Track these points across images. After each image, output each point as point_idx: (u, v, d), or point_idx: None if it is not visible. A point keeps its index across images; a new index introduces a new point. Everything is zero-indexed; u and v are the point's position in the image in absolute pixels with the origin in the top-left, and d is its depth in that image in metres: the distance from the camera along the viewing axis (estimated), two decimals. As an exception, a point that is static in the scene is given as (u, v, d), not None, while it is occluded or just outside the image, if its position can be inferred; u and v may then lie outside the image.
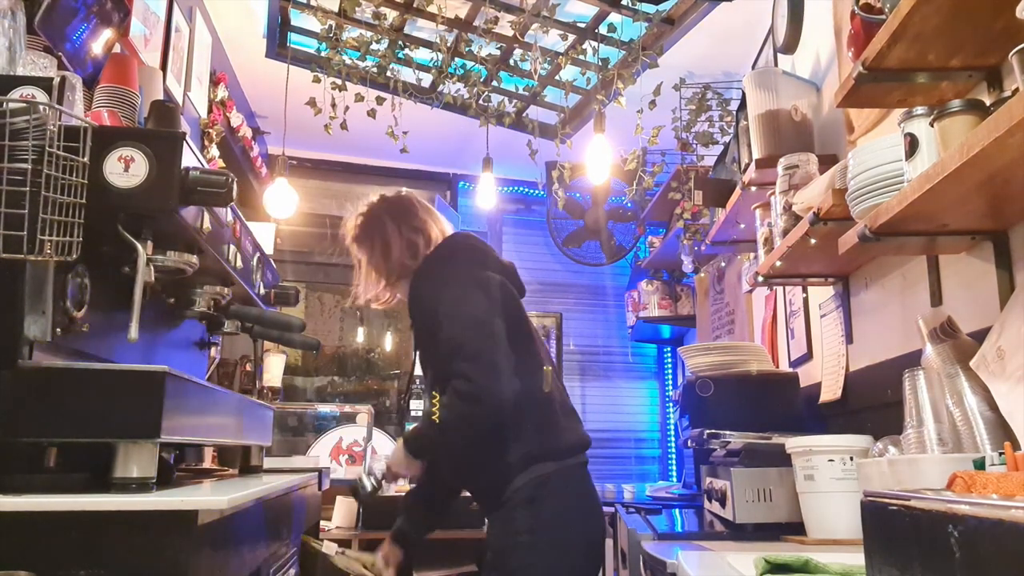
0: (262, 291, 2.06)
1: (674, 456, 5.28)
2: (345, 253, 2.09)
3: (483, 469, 1.86)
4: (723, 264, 3.98)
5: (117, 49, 2.27)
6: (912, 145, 1.27)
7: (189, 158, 1.33)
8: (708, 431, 2.21)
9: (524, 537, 1.76)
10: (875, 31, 1.42)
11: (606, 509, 2.13)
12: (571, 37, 3.41)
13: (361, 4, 3.20)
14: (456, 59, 3.56)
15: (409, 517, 2.10)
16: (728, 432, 2.17)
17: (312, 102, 3.39)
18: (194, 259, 1.50)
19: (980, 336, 1.33)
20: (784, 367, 2.87)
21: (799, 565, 1.22)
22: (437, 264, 1.93)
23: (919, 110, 1.27)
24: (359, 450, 4.15)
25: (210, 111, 3.38)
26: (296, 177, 4.47)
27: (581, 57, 3.48)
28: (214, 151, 3.37)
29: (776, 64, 2.93)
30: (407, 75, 3.63)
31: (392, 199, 2.06)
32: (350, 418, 4.27)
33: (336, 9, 3.26)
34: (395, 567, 2.04)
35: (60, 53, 1.92)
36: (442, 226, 2.03)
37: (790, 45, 2.64)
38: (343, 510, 3.69)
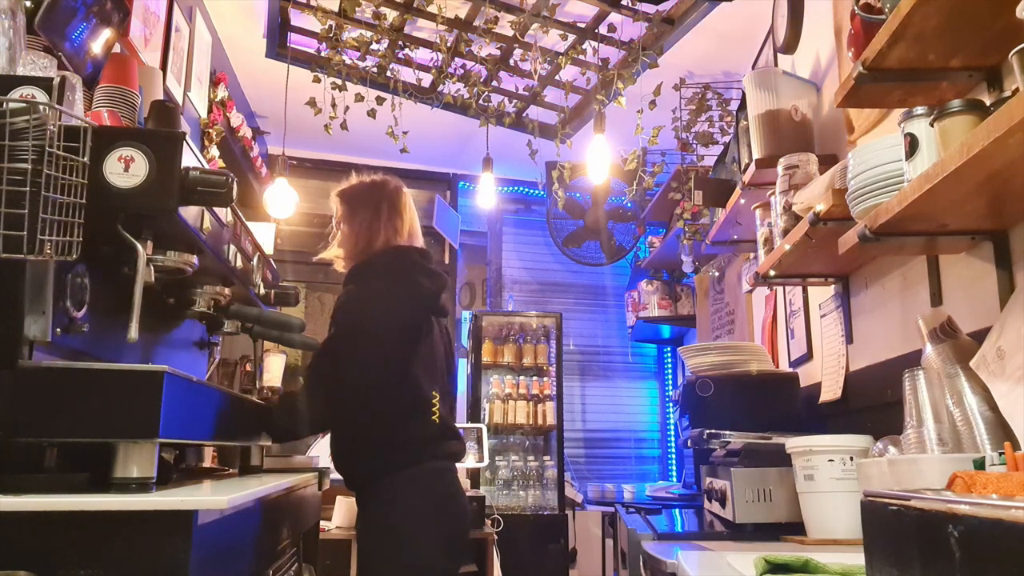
0: (262, 291, 2.06)
1: (674, 456, 5.28)
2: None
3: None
4: (723, 264, 3.98)
5: (117, 49, 2.27)
6: (912, 145, 1.27)
7: (189, 158, 1.33)
8: (708, 431, 2.21)
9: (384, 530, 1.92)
10: (875, 31, 1.42)
11: (606, 509, 2.17)
12: (571, 37, 3.41)
13: (361, 4, 3.20)
14: (456, 59, 3.56)
15: None
16: (728, 432, 2.17)
17: (312, 102, 3.39)
18: (194, 259, 1.50)
19: (980, 336, 1.33)
20: (784, 367, 2.87)
21: (799, 565, 1.22)
22: (363, 269, 2.08)
23: (919, 110, 1.27)
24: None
25: (210, 111, 3.38)
26: (296, 177, 4.48)
27: (581, 57, 3.48)
28: (214, 151, 3.37)
29: (776, 64, 2.93)
30: (407, 75, 3.63)
31: (394, 188, 2.19)
32: (350, 418, 4.26)
33: (336, 9, 3.26)
34: None
35: (60, 53, 1.92)
36: (402, 234, 2.14)
37: (790, 45, 2.64)
38: (343, 510, 3.68)
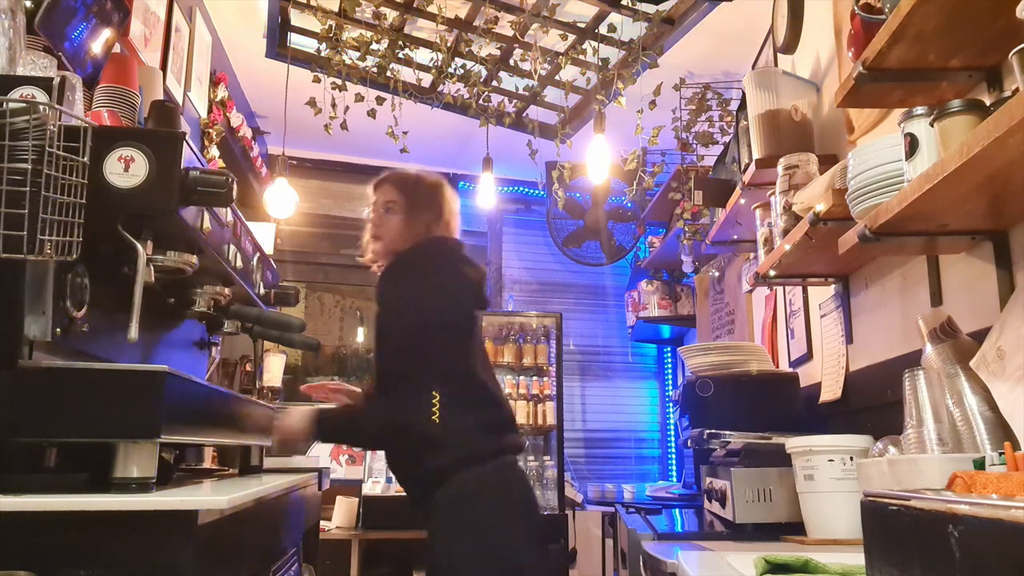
0: (262, 291, 2.06)
1: (674, 456, 5.28)
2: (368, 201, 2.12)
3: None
4: (723, 264, 3.98)
5: (117, 49, 2.27)
6: (912, 145, 1.27)
7: (189, 158, 1.33)
8: (708, 431, 2.21)
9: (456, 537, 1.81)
10: (875, 31, 1.42)
11: (606, 509, 2.17)
12: (571, 37, 3.41)
13: (361, 4, 3.20)
14: (456, 59, 3.55)
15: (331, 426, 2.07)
16: (728, 432, 2.17)
17: (312, 102, 3.39)
18: (194, 259, 1.50)
19: (980, 336, 1.33)
20: (784, 367, 2.87)
21: (799, 565, 1.22)
22: (418, 259, 1.95)
23: (919, 110, 1.27)
24: (359, 450, 4.15)
25: (210, 111, 3.38)
26: (296, 177, 4.48)
27: (581, 57, 3.48)
28: (214, 151, 3.37)
29: (776, 64, 2.92)
30: (407, 75, 3.63)
31: (447, 190, 2.11)
32: (350, 418, 4.26)
33: (336, 9, 3.26)
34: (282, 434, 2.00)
35: (60, 53, 1.92)
36: (450, 228, 2.07)
37: (790, 45, 2.64)
38: (343, 510, 3.69)
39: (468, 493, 1.81)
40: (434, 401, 1.84)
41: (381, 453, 4.27)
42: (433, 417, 1.82)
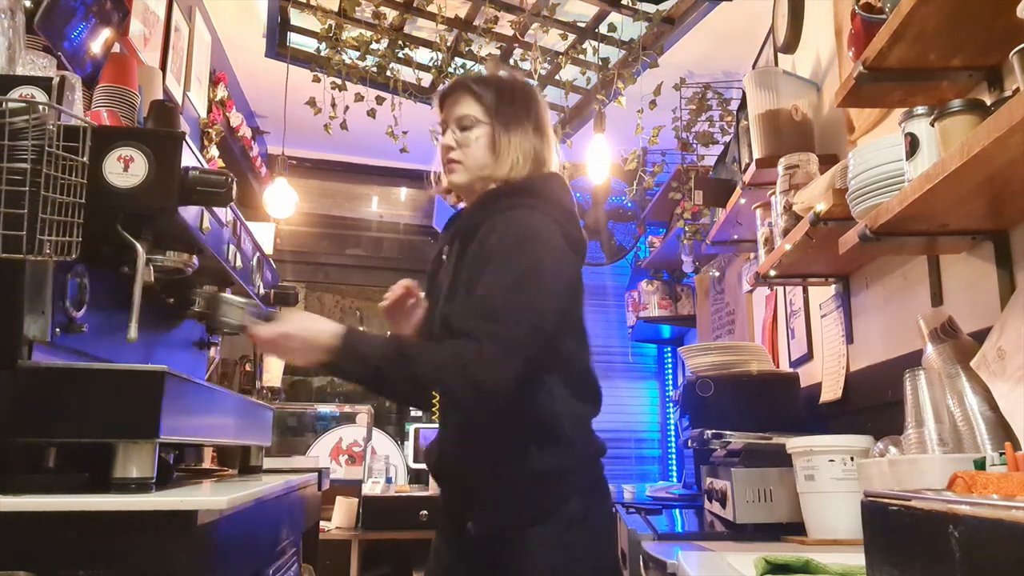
0: (262, 291, 2.06)
1: (674, 456, 5.27)
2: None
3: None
4: (723, 264, 3.98)
5: (116, 49, 2.27)
6: (912, 145, 1.27)
7: (189, 158, 1.33)
8: (708, 431, 2.20)
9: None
10: (875, 31, 1.42)
11: None
12: (571, 37, 3.41)
13: (361, 4, 3.20)
14: (456, 59, 3.55)
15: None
16: (728, 432, 2.17)
17: (312, 102, 3.39)
18: (194, 259, 1.50)
19: (981, 336, 1.33)
20: (784, 367, 2.86)
21: (799, 565, 1.22)
22: (531, 197, 1.48)
23: (919, 110, 1.27)
24: (359, 450, 4.15)
25: (210, 111, 3.38)
26: (296, 177, 4.47)
27: (581, 57, 3.48)
28: (214, 151, 3.37)
29: (776, 64, 2.92)
30: (407, 75, 3.63)
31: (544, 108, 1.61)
32: (350, 418, 4.27)
33: (336, 9, 3.26)
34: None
35: (59, 53, 1.92)
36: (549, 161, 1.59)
37: (790, 45, 2.64)
38: (343, 510, 3.69)
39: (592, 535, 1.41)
40: (546, 379, 1.41)
41: (382, 451, 4.28)
42: (541, 396, 1.40)
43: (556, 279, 1.44)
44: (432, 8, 3.22)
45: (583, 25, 3.35)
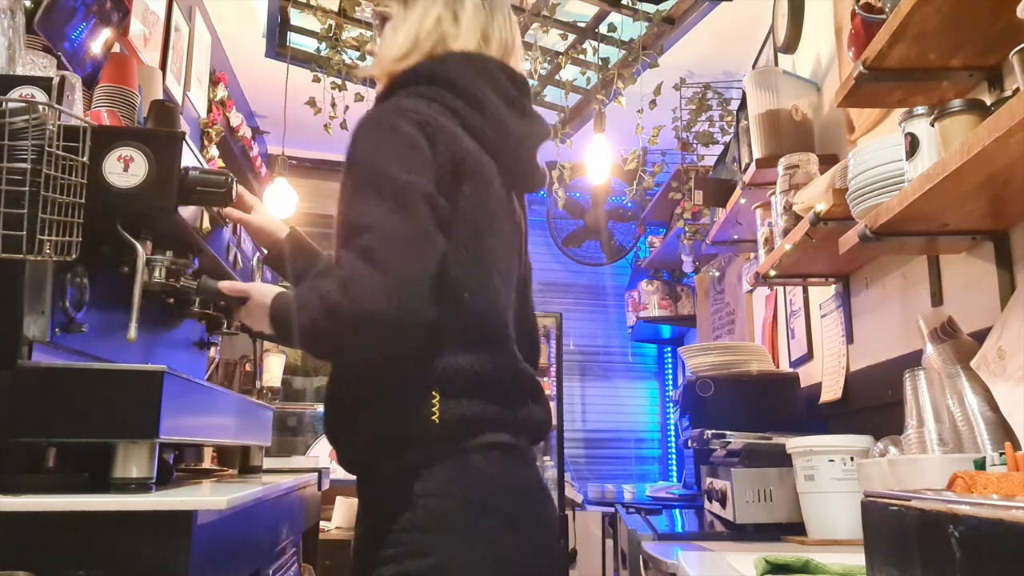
0: (262, 291, 2.06)
1: (674, 456, 5.27)
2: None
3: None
4: (723, 264, 3.98)
5: (116, 49, 2.27)
6: (912, 145, 1.27)
7: (188, 158, 1.33)
8: (708, 431, 2.21)
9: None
10: (875, 31, 1.42)
11: (606, 509, 2.06)
12: (571, 37, 3.41)
13: (361, 4, 3.20)
14: (456, 59, 3.55)
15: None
16: (728, 432, 2.17)
17: (312, 102, 3.39)
18: (193, 259, 1.50)
19: (981, 336, 1.33)
20: (784, 367, 2.86)
21: (799, 565, 1.22)
22: (404, 87, 1.22)
23: (919, 110, 1.27)
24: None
25: (210, 111, 3.38)
26: (296, 177, 4.47)
27: (581, 57, 3.48)
28: (213, 151, 3.37)
29: (776, 64, 2.92)
30: (407, 75, 3.62)
31: None
32: (350, 418, 4.26)
33: (336, 9, 3.26)
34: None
35: (59, 53, 1.92)
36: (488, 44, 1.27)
37: (790, 45, 2.64)
38: (343, 510, 3.69)
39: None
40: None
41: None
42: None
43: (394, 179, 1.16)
44: (432, 8, 3.21)
45: (583, 25, 3.35)
